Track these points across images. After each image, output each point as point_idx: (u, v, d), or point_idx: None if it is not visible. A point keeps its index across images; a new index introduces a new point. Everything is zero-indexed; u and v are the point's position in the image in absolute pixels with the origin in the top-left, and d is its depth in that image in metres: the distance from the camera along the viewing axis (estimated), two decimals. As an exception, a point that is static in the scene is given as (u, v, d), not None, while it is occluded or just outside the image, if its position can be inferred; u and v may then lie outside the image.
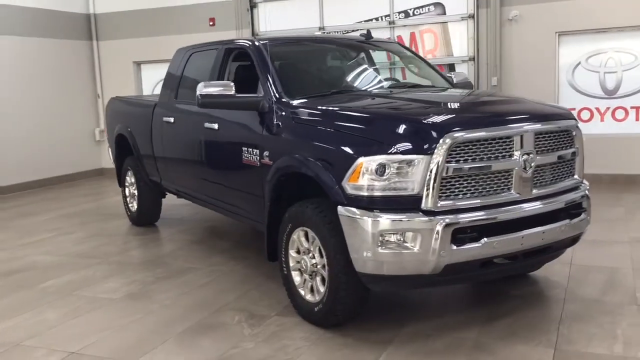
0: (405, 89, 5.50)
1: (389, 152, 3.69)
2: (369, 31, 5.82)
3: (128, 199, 7.72)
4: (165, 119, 6.34)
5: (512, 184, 3.90)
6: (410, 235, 3.67)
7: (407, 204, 3.68)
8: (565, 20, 9.15)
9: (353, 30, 10.34)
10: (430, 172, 3.64)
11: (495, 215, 3.81)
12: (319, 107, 4.37)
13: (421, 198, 3.67)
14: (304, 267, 4.25)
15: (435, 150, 3.65)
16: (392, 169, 3.66)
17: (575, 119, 4.32)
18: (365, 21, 10.28)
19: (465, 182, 3.76)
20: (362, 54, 5.89)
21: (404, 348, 3.90)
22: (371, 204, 3.73)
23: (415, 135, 3.75)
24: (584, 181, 4.47)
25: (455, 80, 5.78)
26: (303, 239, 4.23)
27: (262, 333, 4.20)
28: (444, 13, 9.84)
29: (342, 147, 3.86)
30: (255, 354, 3.89)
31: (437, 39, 9.94)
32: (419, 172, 3.65)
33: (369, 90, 5.28)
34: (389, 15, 10.14)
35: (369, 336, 4.08)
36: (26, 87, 10.91)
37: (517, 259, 4.08)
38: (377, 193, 3.70)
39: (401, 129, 3.82)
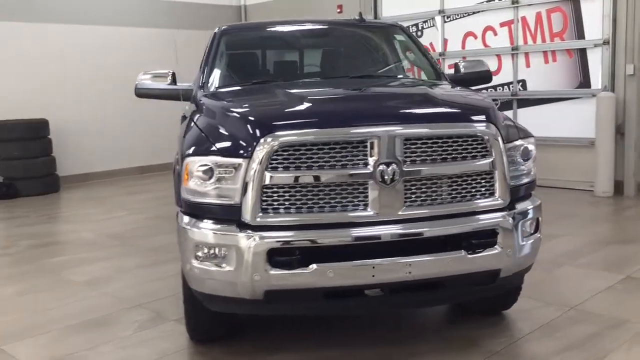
0: (345, 79, 4.62)
1: (213, 153, 3.21)
2: (360, 14, 5.11)
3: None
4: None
5: (368, 200, 3.13)
6: (223, 251, 3.16)
7: (229, 214, 3.17)
8: None
9: (474, 12, 9.30)
10: (248, 179, 3.08)
11: (319, 238, 3.09)
12: (201, 101, 3.95)
13: (241, 209, 3.14)
14: None
15: (254, 154, 3.07)
16: (215, 172, 3.18)
17: (491, 123, 3.30)
18: (487, 1, 9.15)
19: (296, 194, 3.11)
20: (339, 40, 5.19)
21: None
22: (197, 211, 3.30)
23: (239, 135, 3.21)
24: (522, 203, 3.44)
25: (463, 71, 4.85)
26: None
27: (137, 337, 4.00)
28: (576, -12, 8.34)
29: (185, 145, 3.45)
30: (102, 358, 3.72)
31: (567, 19, 8.44)
32: (239, 178, 3.12)
33: (300, 81, 4.58)
34: (513, -6, 8.91)
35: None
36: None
37: (396, 293, 3.31)
38: (201, 199, 3.25)
39: (230, 127, 3.32)
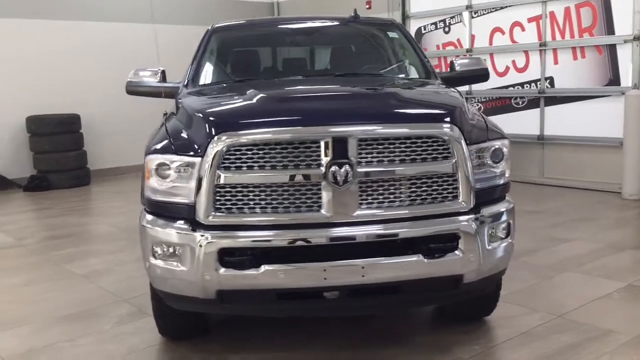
0: (329, 77, 4.59)
1: (170, 151, 3.24)
2: (355, 10, 5.02)
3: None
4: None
5: (321, 201, 3.08)
6: (176, 249, 3.17)
7: (185, 213, 3.18)
8: None
9: (502, 7, 9.05)
10: (201, 178, 3.08)
11: (269, 239, 3.06)
12: (179, 99, 3.96)
13: (195, 208, 3.14)
14: None
15: (206, 153, 3.07)
16: (173, 171, 3.20)
17: (453, 124, 3.18)
18: (515, -4, 8.89)
19: (249, 194, 3.09)
20: (329, 38, 5.11)
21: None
22: (157, 209, 3.33)
23: (195, 133, 3.23)
24: (491, 207, 3.32)
25: (458, 69, 4.72)
26: None
27: (113, 331, 4.06)
28: (606, -18, 8.00)
29: (148, 143, 3.48)
30: (75, 351, 3.79)
31: (596, 14, 8.12)
32: (193, 177, 3.12)
33: (280, 79, 4.52)
34: (541, -12, 8.62)
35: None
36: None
37: (355, 296, 3.25)
38: (160, 198, 3.28)
39: (189, 125, 3.33)
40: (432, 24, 10.03)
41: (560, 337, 3.74)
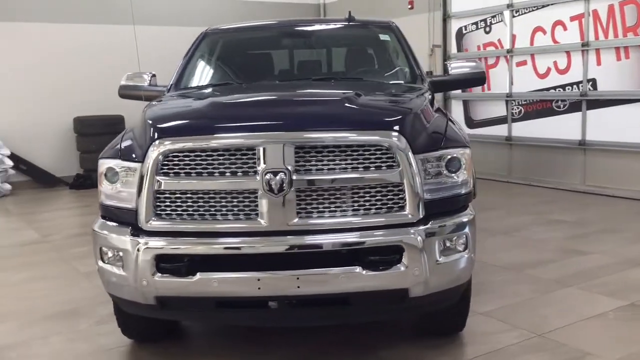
0: (305, 81, 4.49)
1: (117, 156, 3.28)
2: (350, 13, 4.90)
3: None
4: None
5: (258, 209, 3.02)
6: (118, 254, 3.20)
7: (129, 218, 3.20)
8: None
9: (543, 6, 8.66)
10: (141, 183, 3.10)
11: (204, 246, 3.03)
12: (152, 103, 3.97)
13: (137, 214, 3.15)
14: None
15: (145, 159, 3.08)
16: (119, 176, 3.23)
17: (398, 131, 3.04)
18: (557, -6, 8.48)
19: (188, 201, 3.07)
20: (318, 41, 5.00)
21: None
22: (107, 214, 3.37)
23: (140, 139, 3.24)
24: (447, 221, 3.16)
25: (451, 72, 4.54)
26: None
27: (89, 331, 4.14)
28: (653, -23, 7.50)
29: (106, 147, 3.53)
30: (45, 349, 3.89)
31: (641, 13, 7.63)
32: (135, 182, 3.14)
33: (253, 84, 4.43)
34: (584, -14, 8.18)
35: None
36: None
37: (299, 307, 3.17)
38: (109, 202, 3.32)
39: (138, 131, 3.34)
40: (472, 23, 9.72)
41: (532, 357, 3.52)
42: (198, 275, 3.01)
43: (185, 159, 3.04)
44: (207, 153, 3.02)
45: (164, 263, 3.06)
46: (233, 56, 4.89)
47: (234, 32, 5.08)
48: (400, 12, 10.67)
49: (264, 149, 2.96)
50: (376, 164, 3.02)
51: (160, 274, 3.06)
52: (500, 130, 9.50)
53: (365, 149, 3.01)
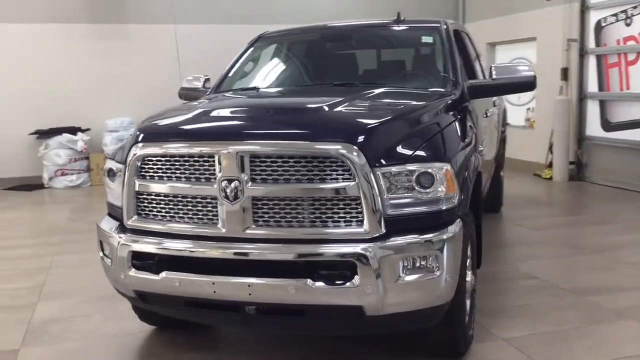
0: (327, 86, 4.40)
1: (113, 157, 3.57)
2: (399, 14, 4.72)
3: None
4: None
5: (218, 216, 3.10)
6: (107, 248, 3.47)
7: (119, 215, 3.46)
8: None
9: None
10: (124, 183, 3.34)
11: (168, 247, 3.18)
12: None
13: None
14: None
15: (126, 161, 3.32)
16: (116, 175, 3.51)
17: (353, 144, 2.92)
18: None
19: (161, 203, 3.25)
20: (358, 44, 4.84)
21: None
22: (109, 209, 3.66)
23: (129, 141, 3.46)
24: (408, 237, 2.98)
25: (495, 75, 4.22)
26: None
27: (123, 314, 4.37)
28: None
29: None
30: (84, 325, 4.29)
31: None
32: (121, 182, 3.39)
33: (278, 89, 4.49)
34: None
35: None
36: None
37: (267, 314, 3.21)
38: (109, 199, 3.61)
39: (131, 134, 3.56)
40: (612, 15, 8.79)
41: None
42: (163, 274, 3.17)
43: (158, 163, 3.21)
44: (175, 159, 3.16)
45: (137, 260, 3.25)
46: (269, 61, 4.99)
47: (287, 37, 5.17)
48: (536, 4, 9.98)
49: (219, 157, 3.03)
50: (332, 177, 2.95)
51: (135, 270, 3.27)
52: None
53: (320, 161, 2.95)
